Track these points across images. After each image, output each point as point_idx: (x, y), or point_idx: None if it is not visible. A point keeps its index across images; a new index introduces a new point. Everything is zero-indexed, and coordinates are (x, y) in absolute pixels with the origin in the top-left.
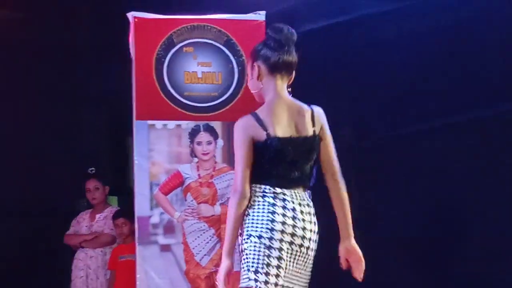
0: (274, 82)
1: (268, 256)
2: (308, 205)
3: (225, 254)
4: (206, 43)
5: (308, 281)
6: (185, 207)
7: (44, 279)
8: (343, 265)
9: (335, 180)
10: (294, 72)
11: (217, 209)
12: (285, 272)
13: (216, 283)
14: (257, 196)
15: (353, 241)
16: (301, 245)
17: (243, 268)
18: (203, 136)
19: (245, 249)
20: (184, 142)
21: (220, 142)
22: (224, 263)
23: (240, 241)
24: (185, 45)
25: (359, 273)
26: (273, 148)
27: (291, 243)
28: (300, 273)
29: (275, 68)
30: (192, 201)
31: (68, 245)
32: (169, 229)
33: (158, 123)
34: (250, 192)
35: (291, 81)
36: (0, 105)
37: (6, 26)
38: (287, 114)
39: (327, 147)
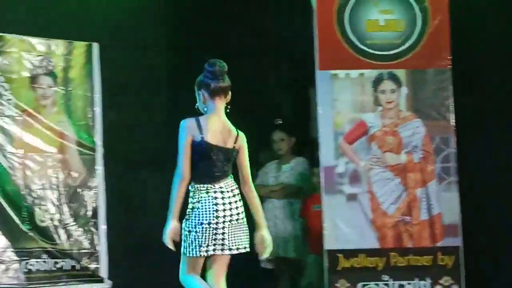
0: (215, 103)
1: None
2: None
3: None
4: None
5: None
6: (370, 156)
7: None
8: (257, 248)
9: (245, 184)
10: (229, 94)
11: (403, 157)
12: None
13: None
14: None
15: (265, 231)
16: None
17: None
18: (387, 84)
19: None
20: (367, 91)
21: (404, 89)
22: (172, 224)
23: None
24: None
25: (263, 255)
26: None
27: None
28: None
29: (214, 93)
30: (377, 150)
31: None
32: (354, 178)
33: (341, 73)
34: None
35: (228, 101)
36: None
37: None
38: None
39: (242, 161)
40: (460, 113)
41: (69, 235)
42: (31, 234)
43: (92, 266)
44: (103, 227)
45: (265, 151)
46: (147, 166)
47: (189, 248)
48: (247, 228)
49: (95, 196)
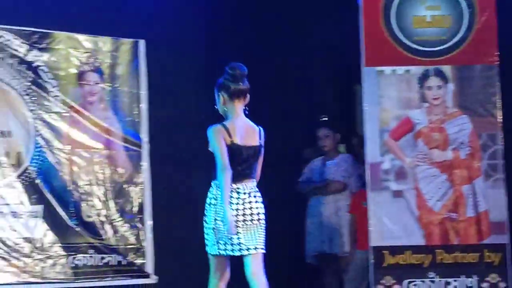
0: (234, 105)
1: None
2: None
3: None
4: None
5: None
6: (416, 152)
7: (278, 225)
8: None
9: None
10: (248, 96)
11: (449, 154)
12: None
13: None
14: None
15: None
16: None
17: None
18: (433, 81)
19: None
20: (413, 87)
21: (451, 86)
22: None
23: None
24: None
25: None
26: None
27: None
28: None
29: (233, 96)
30: (423, 146)
31: (301, 192)
32: (400, 175)
33: (387, 69)
34: None
35: (247, 103)
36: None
37: None
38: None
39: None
40: (507, 110)
41: (115, 231)
42: (78, 229)
43: (138, 261)
44: (149, 222)
45: (310, 147)
46: (192, 162)
47: (209, 244)
48: (264, 230)
49: (141, 192)
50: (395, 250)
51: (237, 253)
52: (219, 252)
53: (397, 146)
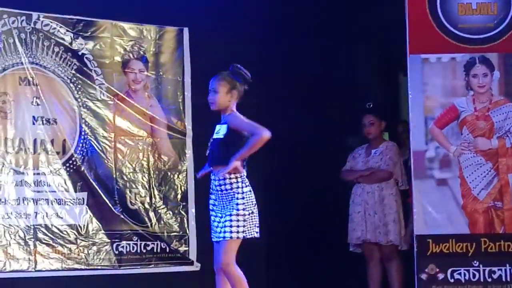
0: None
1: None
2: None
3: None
4: None
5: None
6: (461, 140)
7: (322, 213)
8: None
9: None
10: None
11: (494, 142)
12: None
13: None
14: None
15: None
16: None
17: None
18: (479, 69)
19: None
20: (459, 75)
21: (497, 74)
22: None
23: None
24: None
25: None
26: None
27: None
28: None
29: (240, 96)
30: (468, 134)
31: (345, 181)
32: (445, 163)
33: (432, 57)
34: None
35: None
36: (283, 47)
37: None
38: None
39: None
40: None
41: (159, 218)
42: (122, 216)
43: (182, 249)
44: (192, 210)
45: (354, 135)
46: None
47: (246, 229)
48: None
49: (185, 179)
50: (439, 238)
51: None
52: (257, 234)
53: (442, 134)
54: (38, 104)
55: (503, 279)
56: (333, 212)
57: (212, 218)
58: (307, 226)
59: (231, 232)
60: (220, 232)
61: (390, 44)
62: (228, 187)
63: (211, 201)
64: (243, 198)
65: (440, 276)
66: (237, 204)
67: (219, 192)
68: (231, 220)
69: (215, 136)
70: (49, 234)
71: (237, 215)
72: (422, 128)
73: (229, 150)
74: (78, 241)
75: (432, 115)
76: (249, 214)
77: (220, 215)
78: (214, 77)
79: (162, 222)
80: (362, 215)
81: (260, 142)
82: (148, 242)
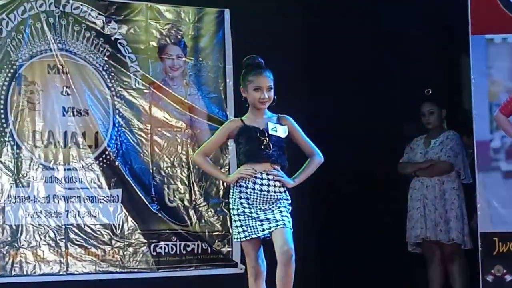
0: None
1: None
2: None
3: None
4: None
5: None
6: None
7: (378, 210)
8: None
9: None
10: None
11: None
12: None
13: None
14: None
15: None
16: None
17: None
18: None
19: None
20: None
21: None
22: None
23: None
24: None
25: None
26: None
27: None
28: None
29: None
30: None
31: (403, 174)
32: None
33: (497, 37)
34: None
35: None
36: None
37: None
38: None
39: None
40: None
41: (200, 216)
42: (160, 215)
43: (225, 249)
44: None
45: (412, 125)
46: None
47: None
48: None
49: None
50: (507, 237)
51: None
52: None
53: (509, 122)
54: (68, 94)
55: None
56: (389, 209)
57: (247, 216)
58: (361, 224)
59: (289, 222)
60: (278, 221)
61: (451, 24)
62: (277, 189)
63: (243, 200)
64: (289, 204)
65: (508, 278)
66: (287, 204)
67: (264, 192)
68: (287, 211)
69: (271, 132)
70: (81, 235)
71: (288, 210)
72: (487, 115)
73: (285, 154)
74: (113, 241)
75: (498, 101)
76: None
77: (261, 212)
78: (265, 72)
79: (203, 220)
80: (421, 211)
81: (319, 165)
82: (188, 243)
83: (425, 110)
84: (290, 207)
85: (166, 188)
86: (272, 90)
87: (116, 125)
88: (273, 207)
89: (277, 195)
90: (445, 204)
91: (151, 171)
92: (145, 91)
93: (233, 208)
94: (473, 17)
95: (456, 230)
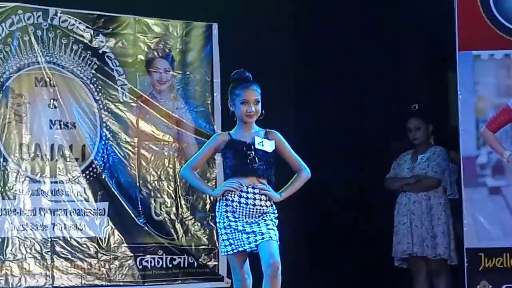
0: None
1: None
2: None
3: None
4: None
5: None
6: None
7: (365, 225)
8: None
9: None
10: None
11: None
12: None
13: None
14: None
15: None
16: None
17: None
18: None
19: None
20: None
21: None
22: None
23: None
24: None
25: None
26: None
27: None
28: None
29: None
30: None
31: (389, 189)
32: (498, 169)
33: (484, 54)
34: None
35: None
36: (320, 45)
37: None
38: None
39: None
40: None
41: (186, 230)
42: (146, 228)
43: (211, 263)
44: None
45: (398, 140)
46: None
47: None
48: None
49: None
50: (492, 252)
51: None
52: None
53: (495, 138)
54: (55, 107)
55: None
56: (376, 224)
57: (233, 229)
58: (348, 239)
59: (275, 235)
60: (264, 234)
61: (438, 40)
62: (263, 203)
63: (229, 214)
64: (276, 218)
65: None
66: (273, 218)
67: (250, 206)
68: (274, 224)
69: (258, 146)
70: (67, 248)
71: (274, 223)
72: (473, 131)
73: (271, 168)
74: (99, 255)
75: (484, 117)
76: None
77: (247, 225)
78: (252, 85)
79: (189, 234)
80: (408, 226)
81: (305, 181)
82: (174, 256)
83: (412, 125)
84: (277, 221)
85: (152, 202)
86: (260, 104)
87: (103, 138)
88: (259, 220)
89: (263, 209)
90: (432, 220)
91: (138, 184)
92: (133, 104)
93: (219, 222)
94: (460, 33)
95: (443, 245)
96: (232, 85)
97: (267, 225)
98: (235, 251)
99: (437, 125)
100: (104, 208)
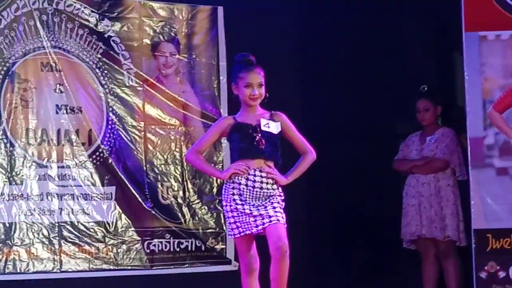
0: None
1: None
2: None
3: None
4: None
5: None
6: None
7: (373, 207)
8: None
9: None
10: None
11: None
12: None
13: None
14: None
15: None
16: None
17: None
18: None
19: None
20: None
21: None
22: None
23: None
24: None
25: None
26: None
27: None
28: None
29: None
30: None
31: (398, 171)
32: (505, 150)
33: (491, 34)
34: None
35: None
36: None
37: None
38: None
39: None
40: None
41: (193, 214)
42: (153, 212)
43: (218, 247)
44: None
45: (407, 121)
46: None
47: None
48: None
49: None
50: (500, 233)
51: None
52: None
53: (502, 119)
54: (61, 92)
55: None
56: (384, 206)
57: (240, 212)
58: (356, 221)
59: (283, 218)
60: (271, 216)
61: (444, 21)
62: (269, 186)
63: (236, 197)
64: (283, 200)
65: (501, 274)
66: (280, 200)
67: (256, 189)
68: (281, 207)
69: (264, 128)
70: (75, 232)
71: (281, 206)
72: (480, 112)
73: (278, 150)
74: (106, 239)
75: (491, 98)
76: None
77: (254, 208)
78: (256, 68)
79: (196, 218)
80: (416, 208)
81: (312, 163)
82: (181, 240)
83: (420, 106)
84: (284, 203)
85: (159, 186)
86: (263, 87)
87: (110, 122)
88: (266, 203)
89: (270, 192)
90: (441, 201)
91: (144, 168)
92: (139, 88)
93: (226, 205)
94: (466, 14)
95: (452, 227)
96: (235, 68)
97: (274, 207)
98: (242, 234)
99: (445, 107)
100: (111, 192)
